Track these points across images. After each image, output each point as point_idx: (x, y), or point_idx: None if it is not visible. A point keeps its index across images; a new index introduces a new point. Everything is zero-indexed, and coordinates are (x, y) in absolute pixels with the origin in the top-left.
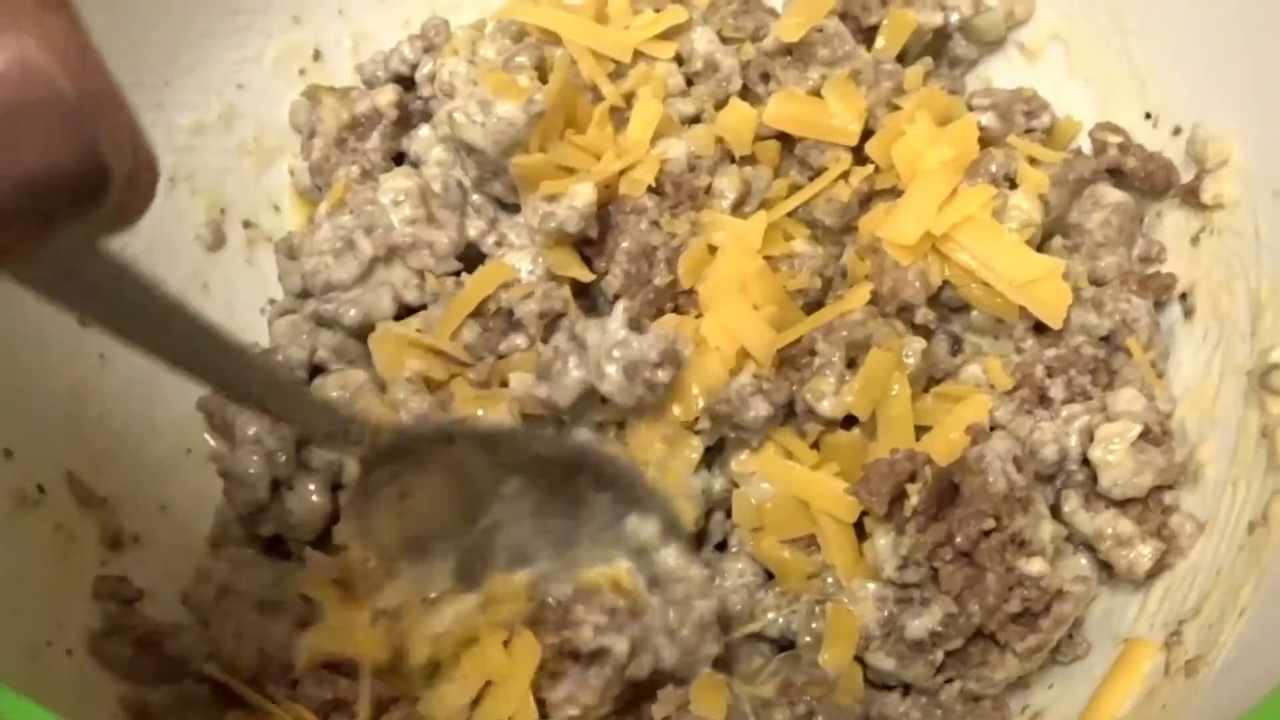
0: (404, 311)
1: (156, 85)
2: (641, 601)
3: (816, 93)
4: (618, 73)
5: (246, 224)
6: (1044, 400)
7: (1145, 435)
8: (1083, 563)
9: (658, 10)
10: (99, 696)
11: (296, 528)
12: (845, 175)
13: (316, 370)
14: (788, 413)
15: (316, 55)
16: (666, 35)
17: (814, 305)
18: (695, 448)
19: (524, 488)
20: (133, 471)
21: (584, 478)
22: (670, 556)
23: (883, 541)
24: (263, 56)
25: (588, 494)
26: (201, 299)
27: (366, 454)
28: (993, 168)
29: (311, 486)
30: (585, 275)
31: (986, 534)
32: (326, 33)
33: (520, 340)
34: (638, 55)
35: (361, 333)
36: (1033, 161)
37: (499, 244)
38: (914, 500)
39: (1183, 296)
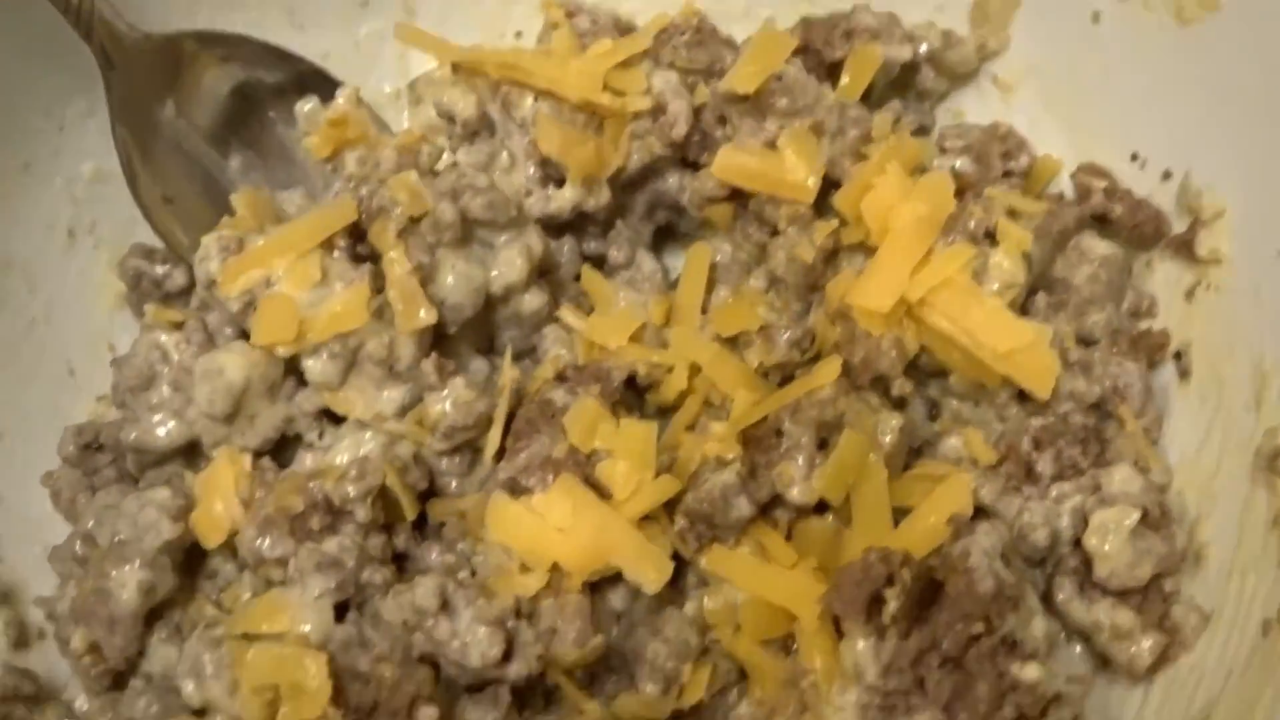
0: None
1: (51, 131)
2: None
3: (773, 144)
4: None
5: None
6: (1031, 475)
7: (1144, 519)
8: (1077, 653)
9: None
10: None
11: None
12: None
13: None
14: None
15: None
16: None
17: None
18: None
19: None
20: None
21: None
22: None
23: (861, 645)
24: None
25: None
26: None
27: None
28: (971, 224)
29: None
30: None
31: (975, 638)
32: None
33: None
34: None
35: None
36: (1012, 213)
37: None
38: (892, 606)
39: (1178, 356)
